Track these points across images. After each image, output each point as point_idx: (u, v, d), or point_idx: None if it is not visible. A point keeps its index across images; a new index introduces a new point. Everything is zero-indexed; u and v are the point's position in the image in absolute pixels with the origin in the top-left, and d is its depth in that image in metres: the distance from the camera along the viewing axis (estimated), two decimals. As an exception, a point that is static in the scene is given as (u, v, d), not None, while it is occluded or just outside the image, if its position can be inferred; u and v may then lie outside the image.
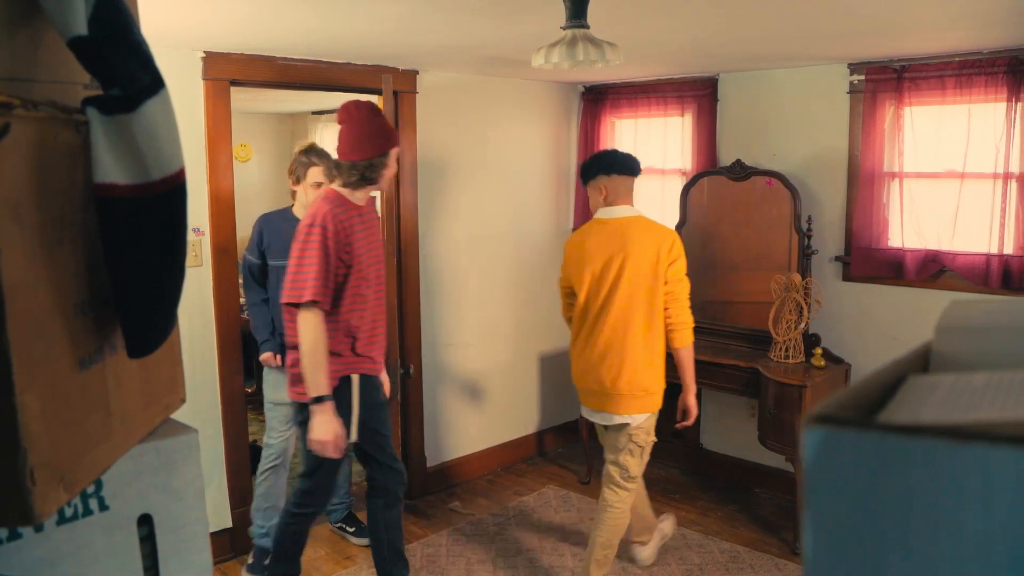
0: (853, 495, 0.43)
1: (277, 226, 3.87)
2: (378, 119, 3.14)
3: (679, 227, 4.95)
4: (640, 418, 3.43)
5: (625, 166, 3.46)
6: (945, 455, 0.41)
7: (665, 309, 3.36)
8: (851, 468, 0.43)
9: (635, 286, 3.33)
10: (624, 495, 3.55)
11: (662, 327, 3.38)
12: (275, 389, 3.90)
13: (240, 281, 4.03)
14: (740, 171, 4.67)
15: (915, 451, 0.41)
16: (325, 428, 2.96)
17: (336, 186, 3.16)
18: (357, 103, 3.14)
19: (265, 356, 3.89)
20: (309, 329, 2.93)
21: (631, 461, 3.51)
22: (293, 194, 3.96)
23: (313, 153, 3.88)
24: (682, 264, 3.38)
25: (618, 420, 3.44)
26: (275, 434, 3.94)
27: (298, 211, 3.91)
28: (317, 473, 3.17)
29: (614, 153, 3.54)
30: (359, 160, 3.08)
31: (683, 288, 3.38)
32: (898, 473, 0.42)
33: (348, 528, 4.31)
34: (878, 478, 0.42)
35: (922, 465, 0.41)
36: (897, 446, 0.42)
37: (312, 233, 2.98)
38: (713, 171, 4.81)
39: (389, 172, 3.18)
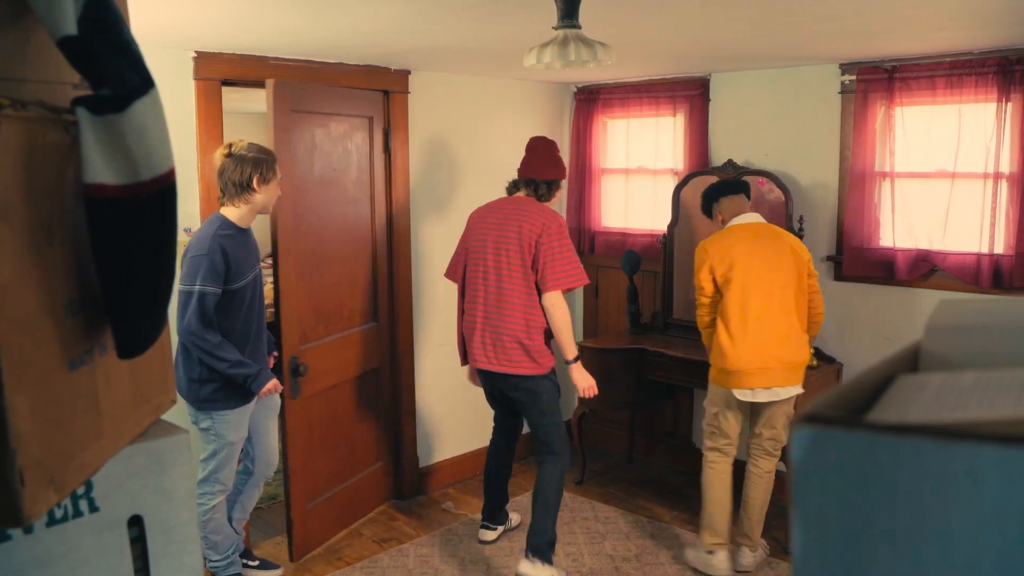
0: (841, 493, 0.43)
1: (236, 245, 3.41)
2: (555, 149, 3.95)
3: (671, 227, 4.96)
4: (799, 388, 3.81)
5: (729, 188, 3.95)
6: (932, 454, 0.41)
7: (809, 301, 3.83)
8: (839, 467, 0.43)
9: (787, 276, 3.73)
10: (775, 462, 3.93)
11: (806, 313, 3.83)
12: (238, 428, 3.52)
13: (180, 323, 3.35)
14: (732, 171, 4.67)
15: (903, 450, 0.41)
16: (586, 375, 3.84)
17: (531, 198, 3.86)
18: (546, 138, 3.98)
19: (274, 384, 3.53)
20: (565, 307, 3.72)
21: (785, 434, 3.87)
22: (229, 201, 3.43)
23: (265, 148, 3.52)
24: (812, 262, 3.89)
25: (788, 393, 3.77)
26: (228, 472, 3.56)
27: (244, 219, 3.46)
28: (559, 427, 3.85)
29: (715, 184, 4.04)
30: (554, 179, 3.87)
31: (817, 283, 3.88)
32: (886, 472, 0.42)
33: (251, 563, 3.93)
34: (866, 477, 0.42)
35: (910, 464, 0.41)
36: (885, 445, 0.42)
37: (564, 229, 3.76)
38: (705, 171, 4.81)
39: (558, 197, 3.99)
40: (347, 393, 4.40)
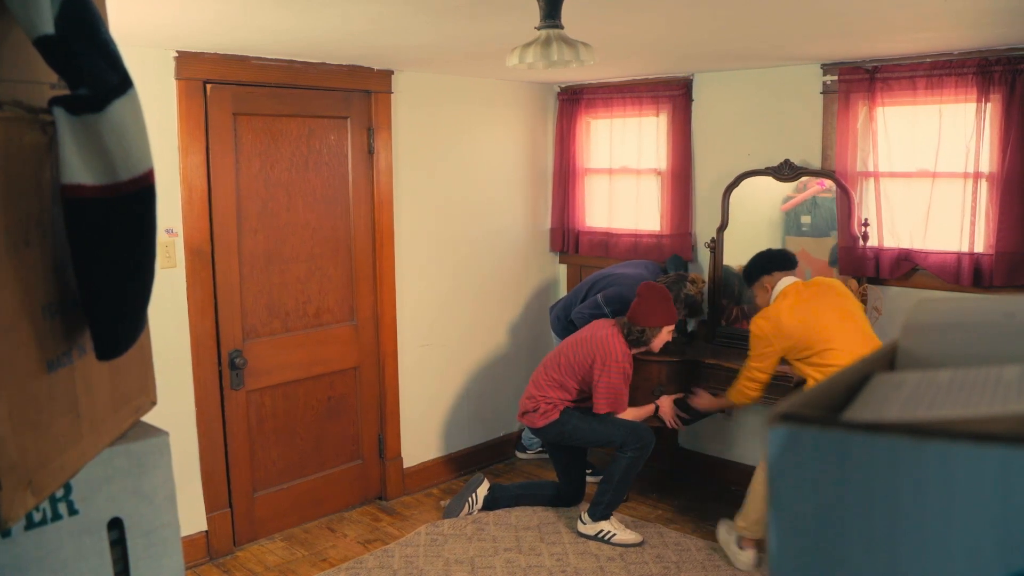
0: (816, 492, 0.43)
1: None
2: (665, 301, 4.25)
3: (720, 230, 4.75)
4: None
5: (784, 261, 3.99)
6: (906, 452, 0.41)
7: None
8: (815, 465, 0.43)
9: (863, 319, 3.79)
10: None
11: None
12: None
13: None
14: (788, 171, 4.47)
15: (877, 448, 0.42)
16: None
17: (618, 331, 4.31)
18: (654, 286, 4.29)
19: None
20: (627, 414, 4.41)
21: None
22: None
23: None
24: None
25: None
26: None
27: None
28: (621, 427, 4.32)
29: (764, 255, 4.05)
30: (641, 326, 4.25)
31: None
32: (861, 470, 0.42)
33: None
34: (841, 475, 0.42)
35: (884, 462, 0.42)
36: (860, 443, 0.42)
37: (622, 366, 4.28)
38: (759, 171, 4.59)
39: (659, 340, 4.30)
40: (311, 389, 4.48)
